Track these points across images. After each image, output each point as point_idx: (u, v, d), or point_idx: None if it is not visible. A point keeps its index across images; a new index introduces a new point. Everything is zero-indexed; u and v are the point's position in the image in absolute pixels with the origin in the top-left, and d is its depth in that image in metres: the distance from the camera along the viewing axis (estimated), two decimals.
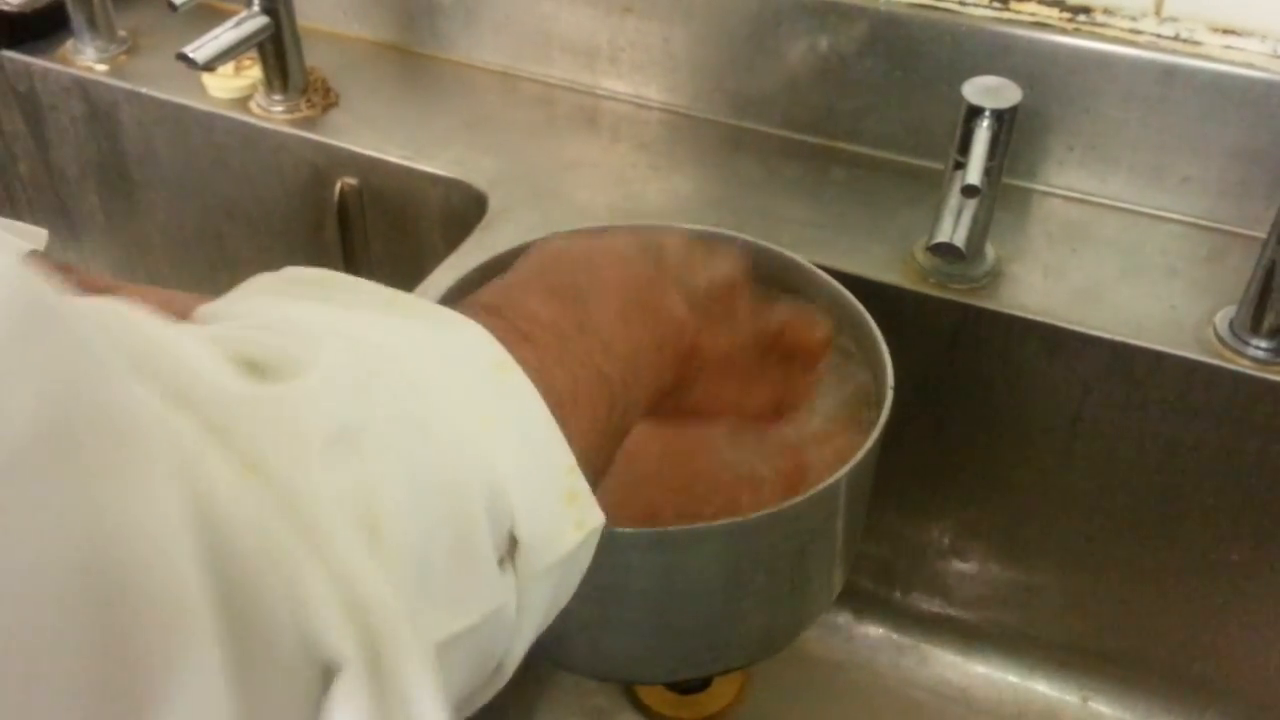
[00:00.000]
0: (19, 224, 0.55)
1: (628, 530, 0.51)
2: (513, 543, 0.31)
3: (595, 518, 0.33)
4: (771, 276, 0.65)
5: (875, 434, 0.56)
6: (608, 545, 0.35)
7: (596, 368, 0.38)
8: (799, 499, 0.52)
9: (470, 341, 0.32)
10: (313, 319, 0.31)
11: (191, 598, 0.22)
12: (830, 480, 0.53)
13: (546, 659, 0.60)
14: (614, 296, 0.42)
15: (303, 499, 0.26)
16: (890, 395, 0.58)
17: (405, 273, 0.88)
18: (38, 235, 0.54)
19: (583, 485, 0.33)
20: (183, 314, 0.33)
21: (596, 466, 0.36)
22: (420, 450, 0.29)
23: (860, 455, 0.54)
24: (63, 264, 0.53)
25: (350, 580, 0.26)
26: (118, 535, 0.21)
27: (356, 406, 0.28)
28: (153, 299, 0.43)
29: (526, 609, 0.32)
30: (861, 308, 0.62)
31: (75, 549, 0.20)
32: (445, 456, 0.29)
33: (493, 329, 0.33)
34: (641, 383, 0.41)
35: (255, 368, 0.28)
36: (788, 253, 0.65)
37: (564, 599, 0.35)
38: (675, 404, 0.47)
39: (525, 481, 0.31)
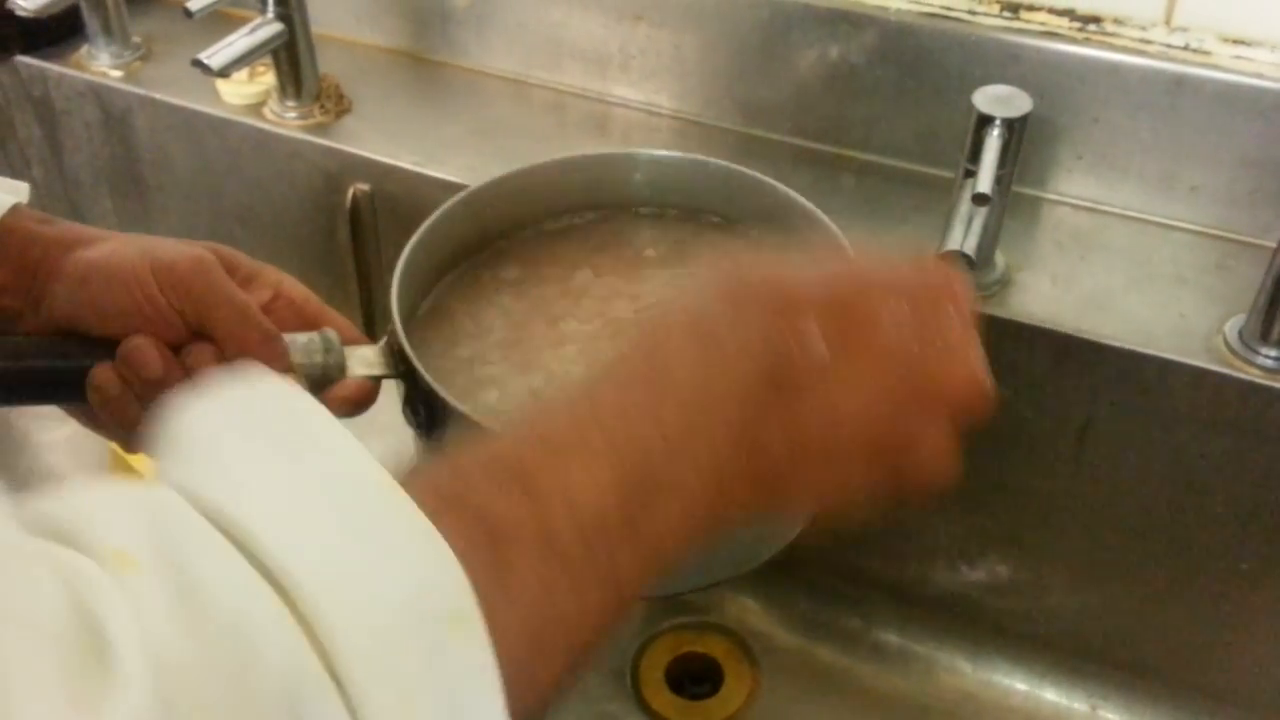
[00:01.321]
0: (2, 179, 0.55)
1: None
2: None
3: None
4: (746, 203, 0.66)
5: None
6: None
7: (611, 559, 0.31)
8: None
9: (429, 581, 0.26)
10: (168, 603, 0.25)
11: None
12: None
13: None
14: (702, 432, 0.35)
15: None
16: None
17: None
18: (20, 188, 0.55)
19: None
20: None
21: (581, 661, 0.32)
22: None
23: None
24: (43, 216, 0.54)
25: None
26: None
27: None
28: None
29: None
30: (842, 237, 0.62)
31: None
32: None
33: (469, 535, 0.27)
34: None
35: (85, 631, 0.24)
36: (768, 180, 0.66)
37: None
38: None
39: None
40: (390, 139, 0.87)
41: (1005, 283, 0.72)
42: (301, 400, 0.31)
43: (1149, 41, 0.74)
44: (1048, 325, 0.70)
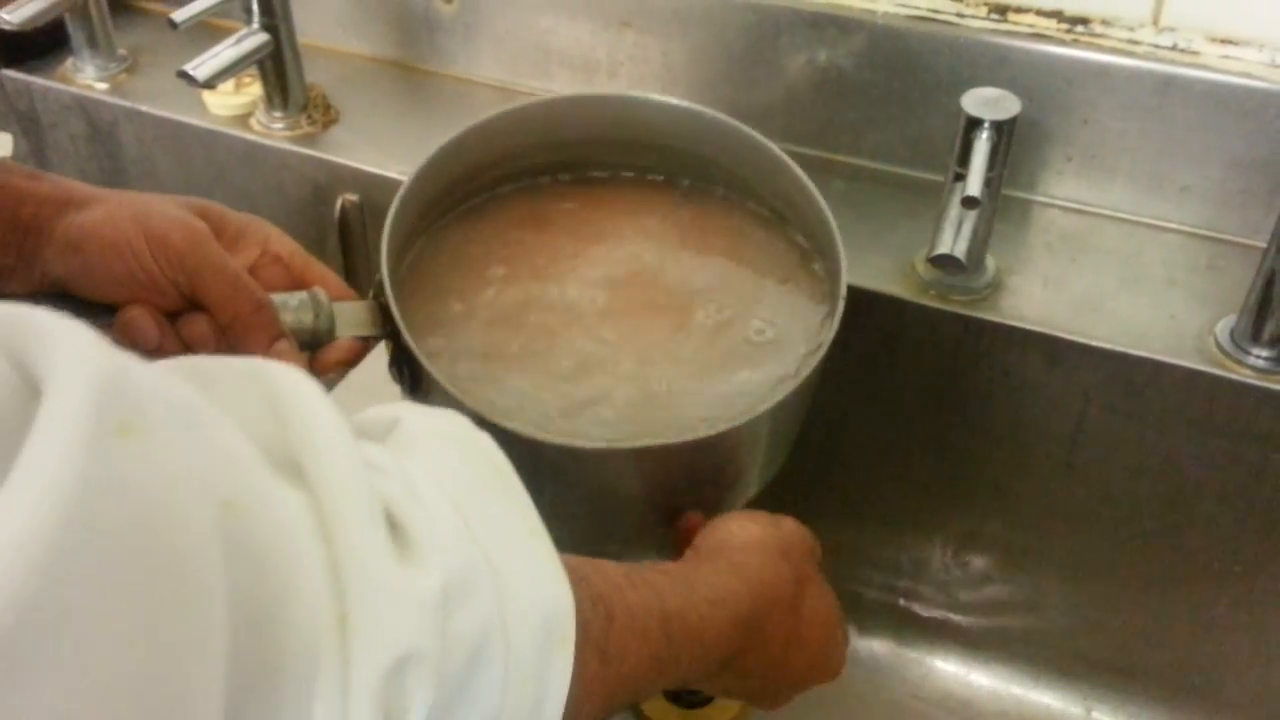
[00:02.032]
0: None
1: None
2: None
3: None
4: (735, 156, 0.67)
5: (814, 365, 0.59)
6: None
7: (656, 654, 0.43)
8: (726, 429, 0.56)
9: (557, 613, 0.37)
10: (452, 525, 0.35)
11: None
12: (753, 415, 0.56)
13: None
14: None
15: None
16: (841, 306, 0.60)
17: None
18: (2, 141, 0.54)
19: None
20: None
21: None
22: (462, 691, 0.33)
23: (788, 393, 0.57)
24: (34, 171, 0.53)
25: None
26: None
27: (439, 637, 0.32)
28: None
29: None
30: (824, 206, 0.63)
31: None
32: (476, 702, 0.34)
33: (580, 598, 0.37)
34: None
35: (397, 528, 0.33)
36: (763, 139, 0.66)
37: None
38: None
39: None
40: (378, 149, 0.87)
41: (996, 286, 0.72)
42: (502, 459, 0.40)
43: (1137, 42, 0.74)
44: (1039, 328, 0.70)
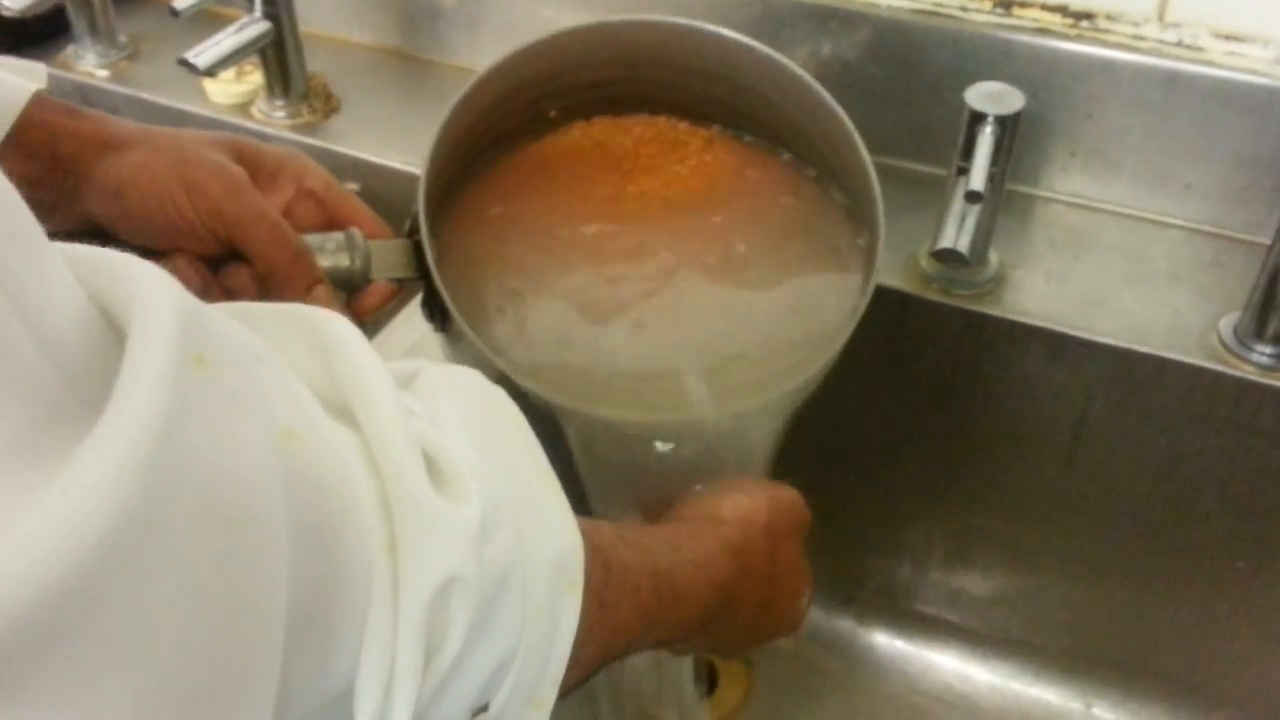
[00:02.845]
0: (15, 61, 0.54)
1: None
2: (480, 710, 0.37)
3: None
4: (750, 73, 0.65)
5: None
6: None
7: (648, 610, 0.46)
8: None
9: (568, 556, 0.39)
10: (480, 465, 0.37)
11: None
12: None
13: None
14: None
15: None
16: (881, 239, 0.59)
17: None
18: (36, 71, 0.54)
19: (552, 697, 0.39)
20: None
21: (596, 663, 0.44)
22: (488, 619, 0.35)
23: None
24: (71, 107, 0.53)
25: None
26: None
27: (475, 563, 0.34)
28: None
29: None
30: (852, 129, 0.62)
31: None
32: (500, 630, 0.36)
33: (588, 549, 0.40)
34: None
35: (433, 467, 0.34)
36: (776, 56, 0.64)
37: None
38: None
39: (522, 674, 0.37)
40: (379, 138, 0.87)
41: (999, 281, 0.72)
42: (515, 410, 0.42)
43: (1142, 38, 0.74)
44: (1042, 323, 0.70)
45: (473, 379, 0.43)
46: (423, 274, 0.56)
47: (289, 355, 0.34)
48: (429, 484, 0.33)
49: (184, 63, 0.79)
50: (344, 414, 0.34)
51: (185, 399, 0.24)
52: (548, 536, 0.38)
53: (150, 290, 0.25)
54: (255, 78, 0.90)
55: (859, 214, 0.64)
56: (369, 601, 0.32)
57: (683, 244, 0.63)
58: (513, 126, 0.67)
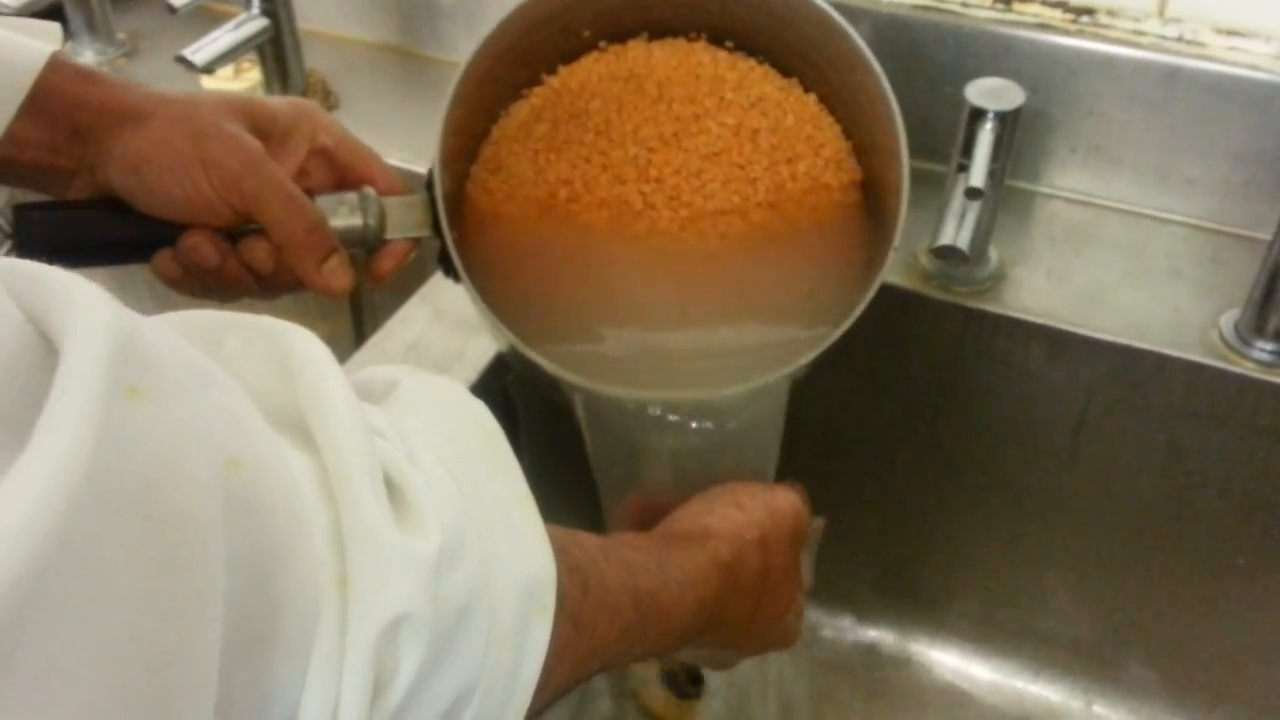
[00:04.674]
0: (31, 21, 0.54)
1: None
2: None
3: None
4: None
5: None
6: None
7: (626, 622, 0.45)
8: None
9: (539, 580, 0.38)
10: (448, 490, 0.36)
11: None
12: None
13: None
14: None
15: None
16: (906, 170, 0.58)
17: (405, 275, 0.88)
18: (51, 31, 0.54)
19: None
20: None
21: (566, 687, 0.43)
22: (445, 653, 0.34)
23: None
24: (86, 71, 0.53)
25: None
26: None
27: (432, 600, 0.33)
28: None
29: None
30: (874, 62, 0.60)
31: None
32: (459, 662, 0.35)
33: (558, 568, 0.39)
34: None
35: (395, 492, 0.34)
36: None
37: None
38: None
39: (484, 705, 0.36)
40: (378, 135, 0.86)
41: (999, 277, 0.72)
42: (493, 425, 0.41)
43: (1142, 33, 0.74)
44: (1042, 320, 0.69)
45: (453, 392, 0.42)
46: (437, 231, 0.56)
47: (250, 374, 0.33)
48: (387, 513, 0.32)
49: (181, 60, 0.79)
50: (304, 435, 0.33)
51: (115, 431, 0.24)
52: (518, 561, 0.37)
53: (85, 318, 0.24)
54: (253, 74, 0.90)
55: (883, 182, 0.62)
56: (314, 636, 0.31)
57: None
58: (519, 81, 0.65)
